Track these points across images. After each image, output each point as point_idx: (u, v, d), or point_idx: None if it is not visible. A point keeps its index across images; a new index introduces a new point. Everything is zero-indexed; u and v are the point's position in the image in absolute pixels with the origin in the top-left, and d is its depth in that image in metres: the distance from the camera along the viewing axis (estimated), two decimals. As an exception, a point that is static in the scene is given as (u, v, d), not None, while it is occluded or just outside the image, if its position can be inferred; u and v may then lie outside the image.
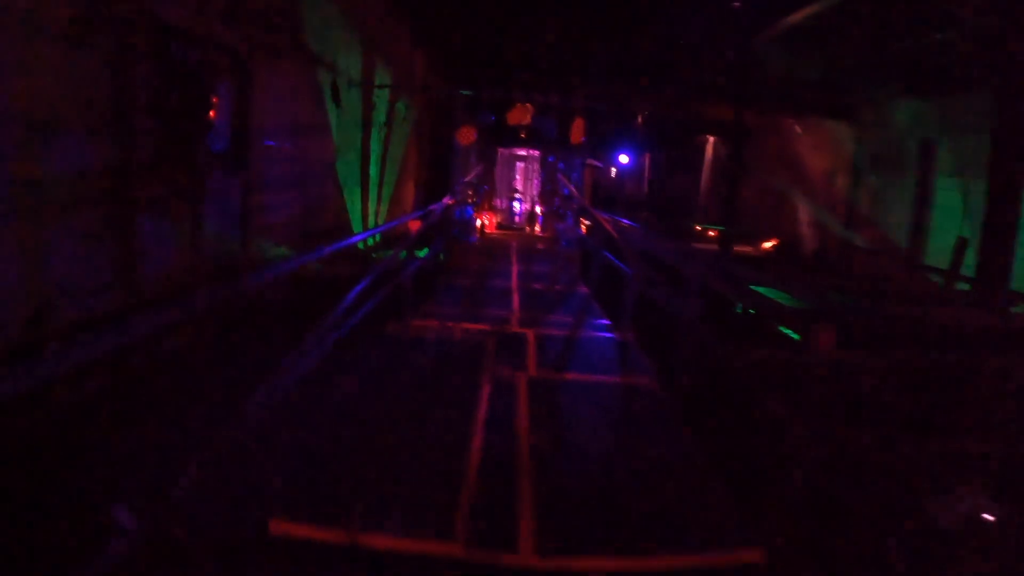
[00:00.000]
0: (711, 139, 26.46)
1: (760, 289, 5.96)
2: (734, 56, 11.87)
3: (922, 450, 3.79)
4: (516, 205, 21.31)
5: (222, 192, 6.61)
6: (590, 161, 20.48)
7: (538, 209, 20.61)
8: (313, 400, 4.83)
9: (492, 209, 19.79)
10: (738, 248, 20.02)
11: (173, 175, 5.78)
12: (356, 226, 12.20)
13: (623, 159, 20.00)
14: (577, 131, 11.39)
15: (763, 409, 3.74)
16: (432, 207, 8.23)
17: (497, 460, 4.15)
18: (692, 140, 25.72)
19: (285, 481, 3.66)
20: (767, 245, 21.37)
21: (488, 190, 19.38)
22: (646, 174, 24.16)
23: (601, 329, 7.90)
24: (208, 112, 5.96)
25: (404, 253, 7.39)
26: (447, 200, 10.11)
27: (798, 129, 21.18)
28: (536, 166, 21.26)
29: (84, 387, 4.70)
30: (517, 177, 21.97)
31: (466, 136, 11.39)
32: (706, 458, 4.31)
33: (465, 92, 12.59)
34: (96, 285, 5.15)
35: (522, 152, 21.44)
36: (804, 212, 20.88)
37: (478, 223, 18.06)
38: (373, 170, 13.14)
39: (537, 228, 19.99)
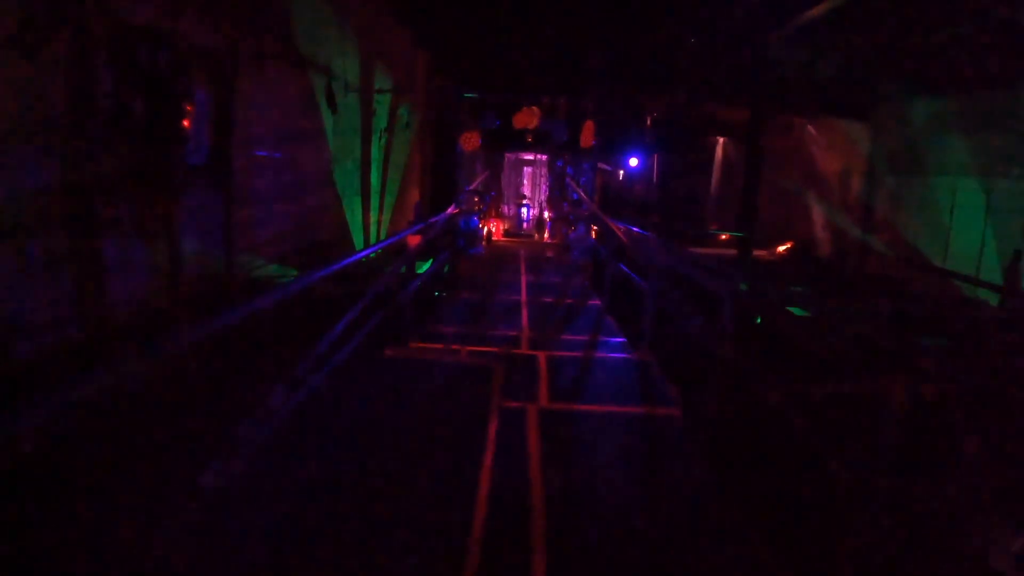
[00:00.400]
0: (720, 140, 25.87)
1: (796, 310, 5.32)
2: (751, 54, 11.21)
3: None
4: (524, 211, 20.66)
5: (201, 208, 6.01)
6: (600, 165, 19.85)
7: (546, 215, 19.95)
8: (293, 450, 4.21)
9: (499, 216, 19.17)
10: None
11: (143, 192, 5.17)
12: (357, 237, 11.60)
13: (632, 162, 19.32)
14: (587, 134, 10.77)
15: (824, 467, 3.10)
16: (433, 220, 7.62)
17: (507, 515, 3.54)
18: (701, 142, 25.12)
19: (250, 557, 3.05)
20: (781, 248, 20.77)
21: (495, 196, 18.76)
22: (655, 177, 23.48)
23: (617, 349, 7.26)
24: (181, 122, 5.33)
25: (404, 268, 6.77)
26: (451, 210, 9.50)
27: (810, 129, 20.60)
28: (544, 171, 20.62)
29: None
30: (525, 182, 21.34)
31: (469, 141, 10.77)
32: (741, 512, 3.67)
33: (469, 95, 11.96)
34: (54, 319, 4.54)
35: (529, 157, 20.79)
36: (818, 214, 20.26)
37: (485, 230, 17.45)
38: (374, 178, 12.55)
39: (546, 235, 19.33)
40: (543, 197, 20.60)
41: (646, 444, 4.81)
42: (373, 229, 12.71)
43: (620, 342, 7.57)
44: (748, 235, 11.08)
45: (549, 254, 15.56)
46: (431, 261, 9.47)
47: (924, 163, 15.46)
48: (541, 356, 6.75)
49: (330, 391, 5.01)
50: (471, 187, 13.30)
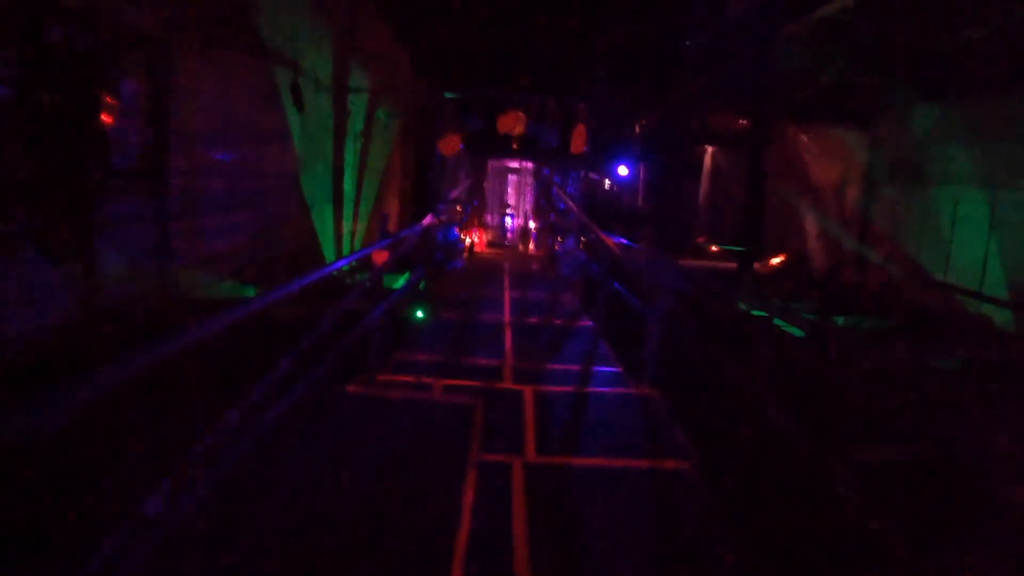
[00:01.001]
0: (709, 149, 25.20)
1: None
2: (754, 57, 10.42)
3: None
4: (508, 221, 19.76)
5: (129, 220, 5.06)
6: (586, 174, 19.02)
7: (532, 225, 19.05)
8: (225, 520, 3.28)
9: (482, 226, 18.24)
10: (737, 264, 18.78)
11: (49, 203, 4.20)
12: (328, 248, 10.67)
13: (622, 171, 18.53)
14: (578, 140, 9.89)
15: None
16: (404, 233, 6.69)
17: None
18: (691, 150, 24.40)
19: None
20: (775, 261, 20.04)
21: (478, 205, 17.83)
22: (641, 187, 22.70)
23: (615, 381, 6.41)
24: (100, 117, 4.38)
25: (370, 285, 5.86)
26: (427, 220, 8.58)
27: (803, 137, 19.92)
28: (529, 179, 19.72)
29: None
30: (509, 191, 20.45)
31: (450, 145, 9.82)
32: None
33: (450, 95, 11.03)
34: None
35: (514, 164, 19.90)
36: (812, 226, 19.48)
37: (467, 241, 16.55)
38: (348, 184, 11.62)
39: (531, 246, 18.42)
40: (528, 206, 19.69)
41: (652, 509, 3.94)
42: (347, 240, 11.78)
43: (617, 373, 6.71)
44: (751, 250, 10.25)
45: (535, 267, 14.68)
46: (407, 275, 8.57)
47: (925, 173, 14.79)
48: (527, 392, 5.86)
49: (275, 443, 4.09)
50: (452, 195, 12.35)
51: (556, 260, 16.02)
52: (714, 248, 22.82)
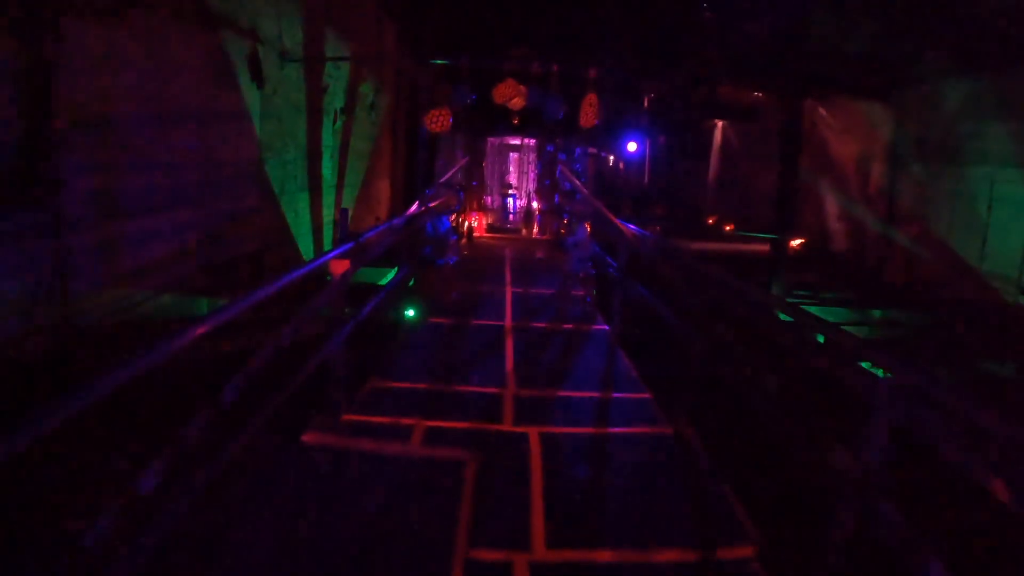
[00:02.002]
0: (719, 124, 23.89)
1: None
2: (786, 24, 9.06)
3: None
4: (510, 202, 18.29)
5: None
6: (592, 150, 17.60)
7: (535, 206, 17.61)
8: None
9: (482, 208, 16.80)
10: (754, 246, 17.61)
11: None
12: (304, 242, 9.38)
13: (631, 147, 17.12)
14: (589, 111, 8.47)
15: None
16: (371, 233, 5.34)
17: None
18: (700, 125, 23.01)
19: None
20: (795, 243, 18.73)
21: (477, 186, 16.41)
22: (648, 164, 21.33)
23: (642, 415, 5.18)
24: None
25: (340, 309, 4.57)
26: (413, 209, 7.25)
27: (822, 111, 18.56)
28: (532, 157, 18.24)
29: None
30: (511, 170, 18.97)
31: (438, 120, 8.36)
32: None
33: (439, 61, 9.55)
34: None
35: (515, 141, 18.40)
36: (832, 205, 18.25)
37: (466, 225, 15.19)
38: (327, 169, 10.29)
39: (535, 229, 16.98)
40: (531, 187, 18.23)
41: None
42: (328, 231, 10.46)
43: (643, 400, 5.44)
44: (784, 238, 8.94)
45: (539, 254, 13.33)
46: (395, 271, 7.27)
47: (957, 151, 13.56)
48: (533, 436, 4.60)
49: (205, 520, 2.83)
50: (443, 179, 10.95)
51: (565, 252, 14.63)
52: (728, 227, 21.51)
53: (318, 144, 9.81)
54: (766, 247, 17.87)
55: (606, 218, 7.73)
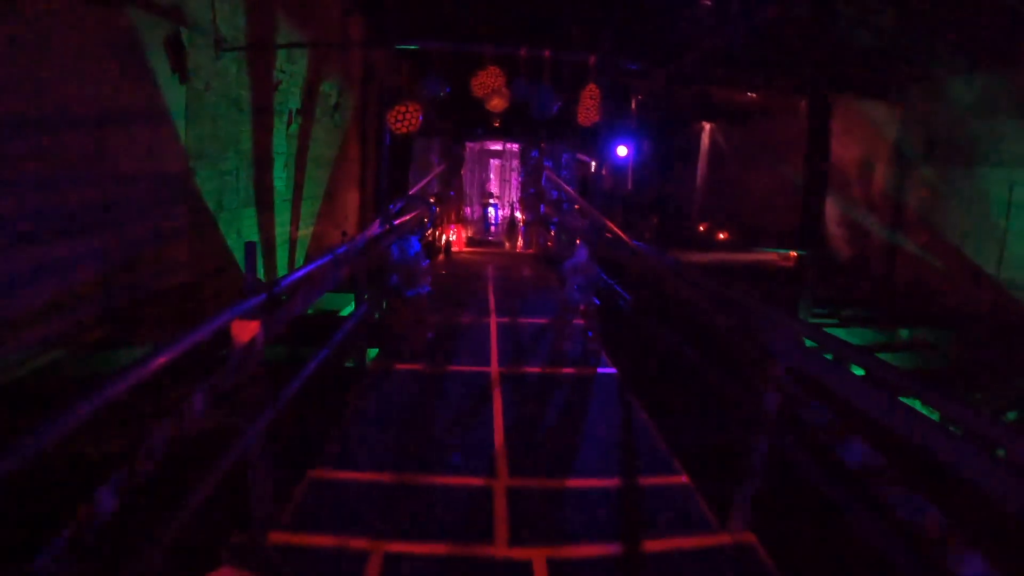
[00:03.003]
0: (707, 126, 22.70)
1: None
2: (810, 10, 7.77)
3: None
4: (491, 213, 16.79)
5: None
6: (581, 156, 16.19)
7: (518, 215, 16.14)
8: None
9: (461, 220, 15.30)
10: (755, 256, 16.85)
11: None
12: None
13: (621, 151, 15.74)
14: (589, 105, 6.99)
15: None
16: (291, 278, 3.84)
17: None
18: (688, 127, 21.78)
19: None
20: (792, 253, 17.45)
21: (455, 196, 14.92)
22: (629, 170, 20.03)
23: (684, 515, 3.86)
24: None
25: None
26: (373, 230, 5.77)
27: None
28: (516, 163, 16.75)
29: None
30: (492, 178, 17.46)
31: (404, 119, 6.71)
32: None
33: (407, 47, 8.00)
34: None
35: (497, 147, 16.93)
36: (833, 211, 17.16)
37: (443, 239, 13.74)
38: (281, 181, 8.81)
39: (519, 242, 15.51)
40: (515, 196, 16.76)
41: None
42: (283, 251, 8.98)
43: (680, 489, 4.08)
44: (813, 254, 7.61)
45: (526, 272, 11.91)
46: (353, 305, 5.81)
47: (971, 152, 12.60)
48: (538, 563, 3.27)
49: None
50: (413, 190, 9.43)
51: (560, 277, 13.12)
52: (722, 236, 20.24)
53: (268, 150, 8.32)
54: (770, 257, 16.81)
55: (614, 237, 6.30)
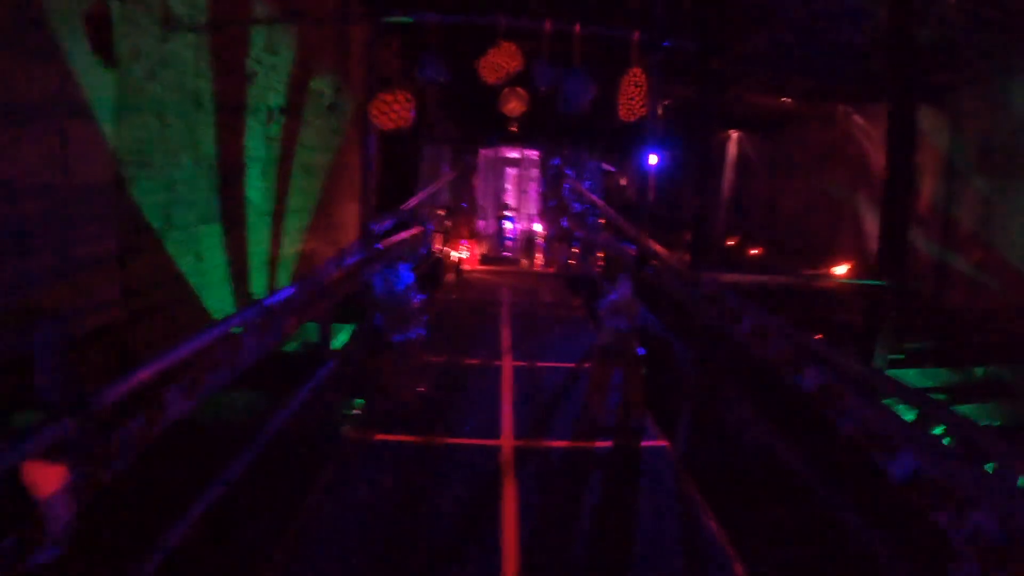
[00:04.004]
0: (734, 135, 21.21)
1: None
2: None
3: None
4: (507, 227, 15.19)
5: None
6: (604, 165, 14.69)
7: (537, 227, 14.57)
8: None
9: (474, 235, 13.73)
10: (796, 279, 15.16)
11: None
12: (216, 295, 6.41)
13: (652, 160, 14.19)
14: (634, 95, 5.42)
15: None
16: (170, 357, 2.31)
17: None
18: (714, 135, 20.32)
19: None
20: (840, 271, 16.01)
21: (467, 208, 13.40)
22: (651, 181, 18.52)
23: None
24: None
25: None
26: (351, 259, 4.28)
27: (857, 118, 16.08)
28: (536, 173, 15.17)
29: None
30: (508, 188, 15.88)
31: (392, 110, 5.11)
32: None
33: (397, 20, 6.34)
34: None
35: (513, 154, 15.36)
36: (874, 227, 15.78)
37: (453, 256, 12.23)
38: (256, 191, 7.35)
39: (537, 259, 13.91)
40: (533, 208, 15.16)
41: None
42: (260, 274, 7.51)
43: None
44: (895, 286, 6.08)
45: (547, 296, 10.40)
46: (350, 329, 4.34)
47: None
48: None
49: None
50: (408, 204, 7.91)
51: (573, 277, 11.72)
52: (753, 252, 18.66)
53: (238, 155, 6.88)
54: (810, 270, 15.42)
55: (667, 268, 4.79)
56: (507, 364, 6.53)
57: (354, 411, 4.92)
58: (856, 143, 15.99)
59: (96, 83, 4.60)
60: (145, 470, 2.31)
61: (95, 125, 4.62)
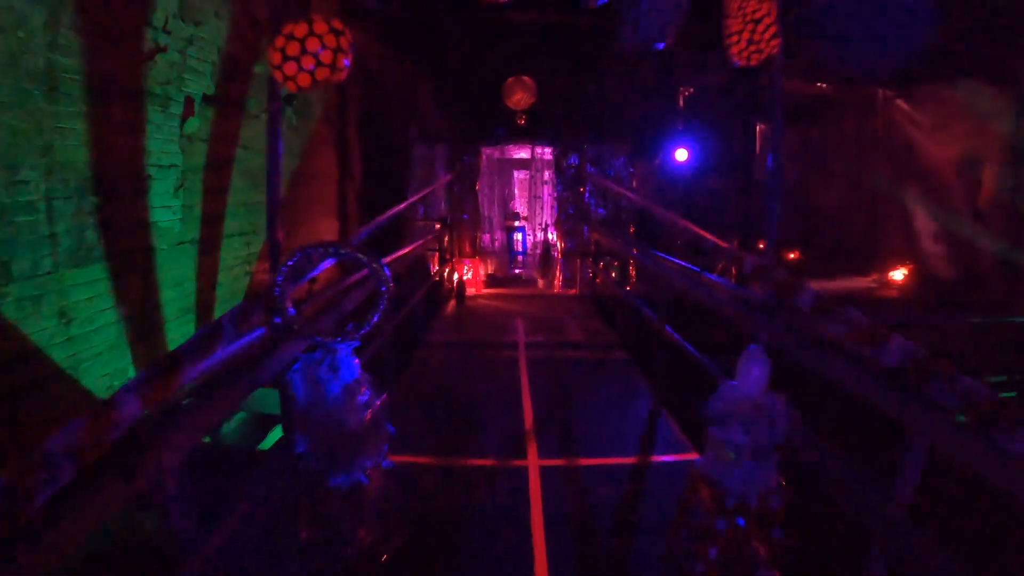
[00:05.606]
0: (760, 126, 19.48)
1: None
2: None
3: None
4: (518, 238, 13.02)
5: None
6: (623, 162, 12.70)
7: (553, 237, 12.34)
8: None
9: (477, 251, 11.47)
10: (844, 283, 13.86)
11: None
12: (103, 367, 4.23)
13: (680, 155, 12.07)
14: (765, 16, 3.14)
15: None
16: None
17: None
18: (741, 126, 18.58)
19: None
20: (897, 276, 14.42)
21: (469, 220, 11.16)
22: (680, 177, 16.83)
23: None
24: None
25: None
26: (243, 340, 2.05)
27: (901, 103, 14.91)
28: (550, 175, 12.97)
29: None
30: (517, 194, 13.74)
31: (305, 55, 2.98)
32: None
33: None
34: None
35: (523, 154, 13.19)
36: (926, 223, 14.33)
37: (455, 278, 10.07)
38: (171, 212, 5.15)
39: (557, 279, 11.59)
40: (548, 217, 12.94)
41: None
42: (182, 325, 5.30)
43: None
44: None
45: (575, 335, 8.06)
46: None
47: None
48: None
49: None
50: (359, 234, 5.29)
51: (598, 299, 9.51)
52: (791, 256, 16.78)
53: (135, 162, 4.70)
54: (860, 279, 14.21)
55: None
56: (533, 465, 4.27)
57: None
58: (901, 131, 14.78)
59: None
60: None
61: None
